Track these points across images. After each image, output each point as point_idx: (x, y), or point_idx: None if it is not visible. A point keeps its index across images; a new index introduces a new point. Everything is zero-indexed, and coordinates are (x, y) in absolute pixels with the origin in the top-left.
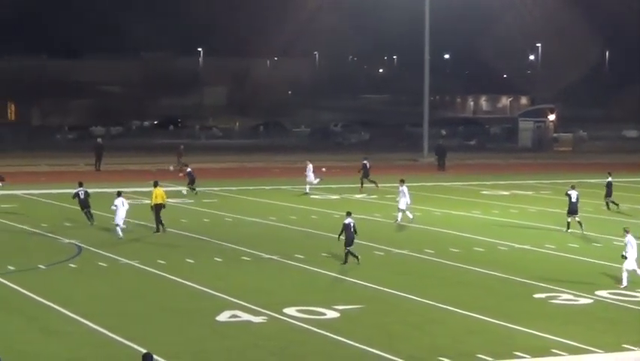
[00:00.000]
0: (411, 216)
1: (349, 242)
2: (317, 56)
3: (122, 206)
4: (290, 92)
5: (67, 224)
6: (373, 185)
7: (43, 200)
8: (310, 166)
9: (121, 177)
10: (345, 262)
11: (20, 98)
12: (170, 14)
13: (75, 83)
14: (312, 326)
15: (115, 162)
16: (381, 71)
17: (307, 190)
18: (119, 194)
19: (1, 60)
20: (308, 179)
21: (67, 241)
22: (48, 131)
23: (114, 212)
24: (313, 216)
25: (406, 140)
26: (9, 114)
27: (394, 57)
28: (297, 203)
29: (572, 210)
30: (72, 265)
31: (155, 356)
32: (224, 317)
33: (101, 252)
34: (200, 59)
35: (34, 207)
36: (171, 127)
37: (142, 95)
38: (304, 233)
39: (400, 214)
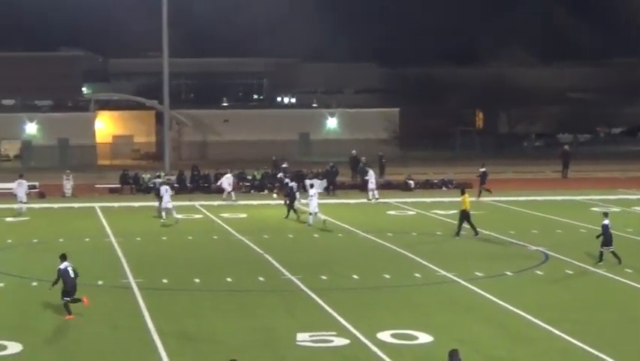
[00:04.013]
0: None
1: (606, 242)
2: None
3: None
4: None
5: (534, 231)
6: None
7: (511, 207)
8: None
9: (587, 185)
10: (600, 260)
11: (488, 106)
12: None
13: (543, 91)
14: None
15: (582, 169)
16: None
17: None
18: (311, 186)
19: (469, 69)
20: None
21: (534, 248)
22: (515, 139)
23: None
24: None
25: None
26: (477, 122)
27: None
28: None
29: None
30: (538, 272)
31: None
32: None
33: (568, 259)
34: None
35: (502, 214)
36: None
37: (609, 102)
38: None
39: None
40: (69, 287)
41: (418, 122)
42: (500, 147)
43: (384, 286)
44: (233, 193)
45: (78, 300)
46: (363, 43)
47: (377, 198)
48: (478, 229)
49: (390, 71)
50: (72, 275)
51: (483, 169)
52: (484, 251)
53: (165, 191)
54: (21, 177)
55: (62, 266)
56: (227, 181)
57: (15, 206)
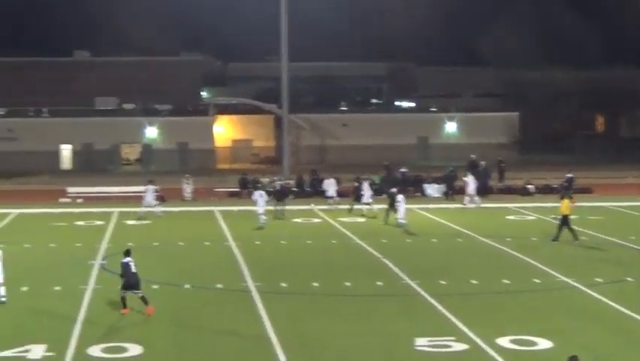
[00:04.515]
0: None
1: None
2: None
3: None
4: None
5: None
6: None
7: (632, 212)
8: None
9: None
10: None
11: (609, 110)
12: None
13: None
14: None
15: None
16: None
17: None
18: (398, 192)
19: (588, 72)
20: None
21: None
22: (636, 143)
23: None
24: None
25: None
26: (597, 126)
27: None
28: None
29: None
30: None
31: None
32: None
33: None
34: None
35: (622, 219)
36: None
37: None
38: None
39: None
40: (131, 281)
41: (538, 127)
42: (621, 151)
43: (504, 291)
44: (333, 200)
45: (146, 302)
46: (480, 47)
47: (477, 204)
48: (579, 237)
49: (509, 75)
50: (134, 270)
51: (570, 175)
52: (604, 257)
53: (260, 196)
54: (150, 182)
55: (125, 260)
56: (330, 186)
57: (138, 210)
